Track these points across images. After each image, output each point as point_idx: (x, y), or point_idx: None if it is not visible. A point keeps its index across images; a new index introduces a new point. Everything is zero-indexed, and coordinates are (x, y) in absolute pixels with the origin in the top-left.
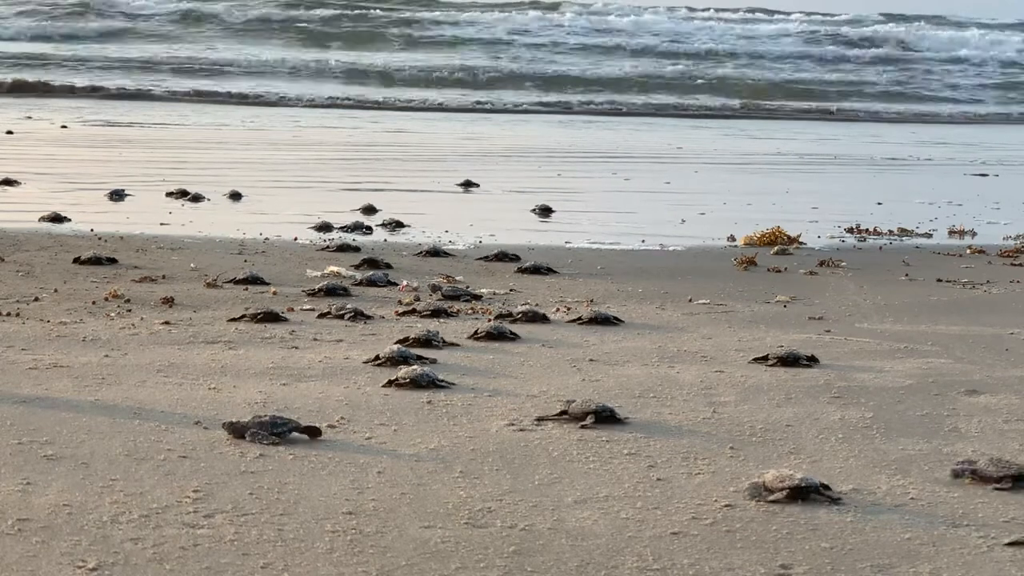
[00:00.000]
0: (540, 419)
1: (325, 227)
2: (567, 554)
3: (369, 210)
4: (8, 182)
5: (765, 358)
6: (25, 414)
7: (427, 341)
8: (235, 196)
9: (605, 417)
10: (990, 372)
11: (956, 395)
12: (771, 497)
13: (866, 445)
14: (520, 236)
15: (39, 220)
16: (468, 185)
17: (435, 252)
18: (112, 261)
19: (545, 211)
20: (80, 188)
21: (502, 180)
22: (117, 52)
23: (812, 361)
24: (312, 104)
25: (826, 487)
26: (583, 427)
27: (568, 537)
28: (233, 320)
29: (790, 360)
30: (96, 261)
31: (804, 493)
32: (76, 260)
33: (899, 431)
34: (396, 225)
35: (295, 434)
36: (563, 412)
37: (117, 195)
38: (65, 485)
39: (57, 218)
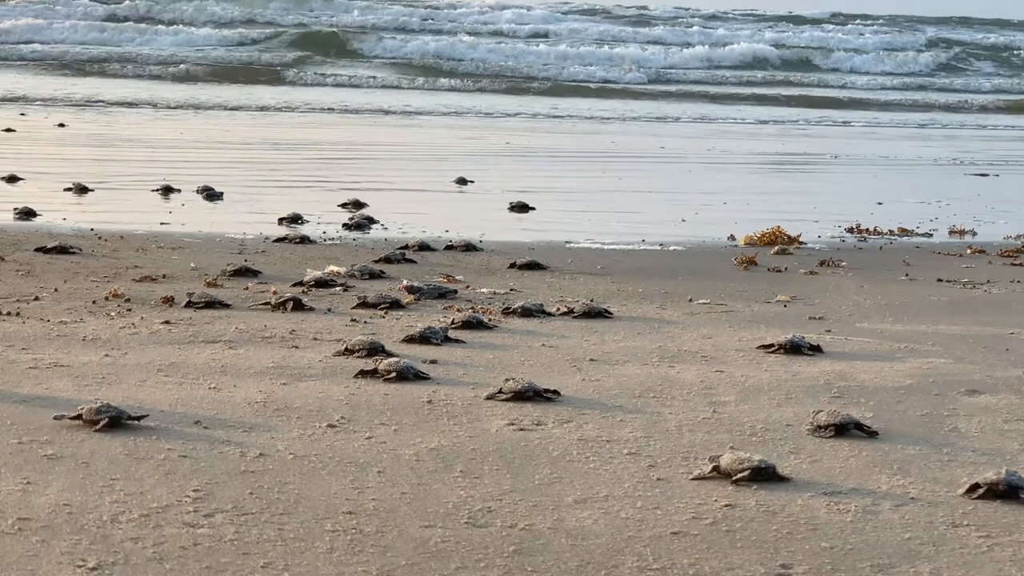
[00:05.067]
0: (488, 397)
1: (294, 219)
2: (567, 554)
3: (357, 204)
4: (11, 179)
5: (770, 346)
6: (25, 414)
7: (425, 338)
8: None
9: (529, 396)
10: (990, 372)
11: (956, 395)
12: (735, 478)
13: (866, 445)
14: (521, 235)
15: (14, 217)
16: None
17: (424, 247)
18: (76, 251)
19: (522, 207)
20: (102, 188)
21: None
22: None
23: (816, 350)
24: None
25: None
26: (507, 400)
27: (568, 537)
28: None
29: (791, 348)
30: (62, 250)
31: (764, 474)
32: (40, 249)
33: (899, 431)
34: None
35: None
36: (500, 391)
37: (82, 189)
38: (65, 485)
39: (29, 212)
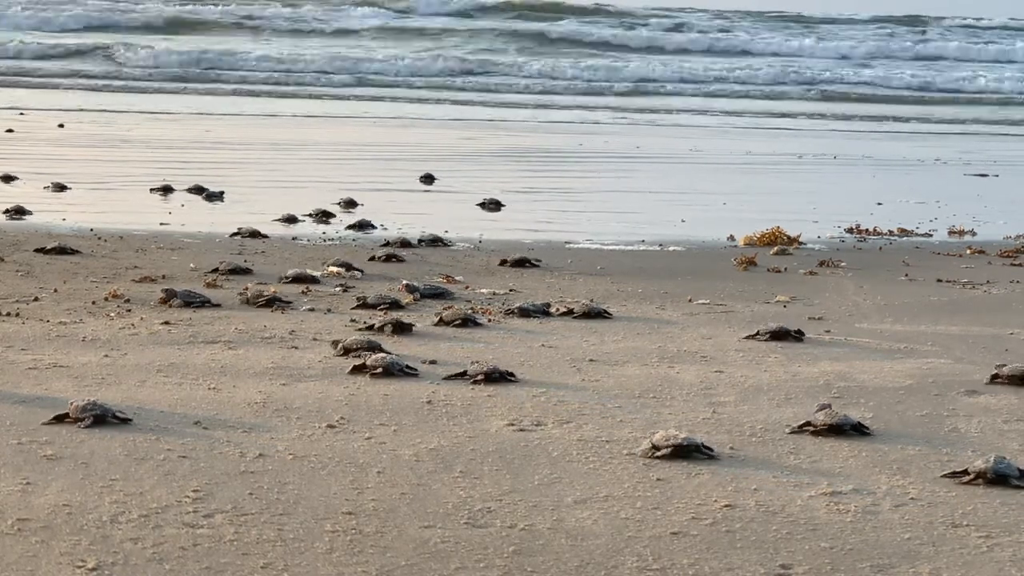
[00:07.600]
0: (446, 378)
1: (290, 219)
2: (567, 554)
3: (350, 203)
4: (7, 178)
5: (756, 334)
6: (25, 414)
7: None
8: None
9: (496, 378)
10: (990, 372)
11: (956, 395)
12: (659, 453)
13: (866, 445)
14: (521, 234)
15: (5, 216)
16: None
17: (406, 243)
18: (76, 252)
19: (495, 204)
20: (81, 187)
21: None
22: None
23: (799, 335)
24: None
25: (707, 447)
26: (474, 383)
27: (568, 537)
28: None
29: (780, 334)
30: (62, 251)
31: (686, 451)
32: (39, 250)
33: (899, 431)
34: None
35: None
36: (463, 372)
37: (59, 187)
38: (65, 485)
39: (21, 211)
